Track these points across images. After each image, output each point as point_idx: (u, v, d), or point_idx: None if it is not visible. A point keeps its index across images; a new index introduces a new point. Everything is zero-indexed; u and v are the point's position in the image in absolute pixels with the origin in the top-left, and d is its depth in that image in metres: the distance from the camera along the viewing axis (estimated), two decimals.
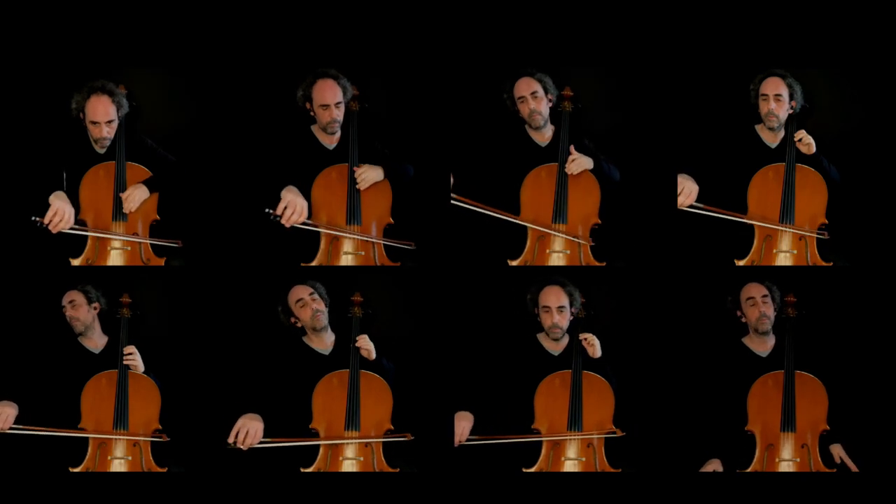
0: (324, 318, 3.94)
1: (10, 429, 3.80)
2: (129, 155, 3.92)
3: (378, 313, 3.99)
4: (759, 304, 3.91)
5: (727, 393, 3.90)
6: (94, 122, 3.86)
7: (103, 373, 3.89)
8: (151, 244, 3.91)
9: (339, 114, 3.93)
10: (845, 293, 3.92)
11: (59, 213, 3.78)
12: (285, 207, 3.83)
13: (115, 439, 3.85)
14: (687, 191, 3.85)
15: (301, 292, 3.93)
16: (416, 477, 3.89)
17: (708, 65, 3.93)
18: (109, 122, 3.87)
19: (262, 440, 3.82)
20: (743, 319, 3.95)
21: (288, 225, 3.84)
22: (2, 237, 3.91)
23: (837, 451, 3.88)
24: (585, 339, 3.89)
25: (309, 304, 3.92)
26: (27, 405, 3.85)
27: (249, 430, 3.81)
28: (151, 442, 3.87)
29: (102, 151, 3.91)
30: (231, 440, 3.81)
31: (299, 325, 3.96)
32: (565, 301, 3.93)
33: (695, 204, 3.86)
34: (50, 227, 3.78)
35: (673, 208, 3.87)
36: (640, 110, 3.98)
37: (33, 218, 3.76)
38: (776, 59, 3.91)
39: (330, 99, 3.91)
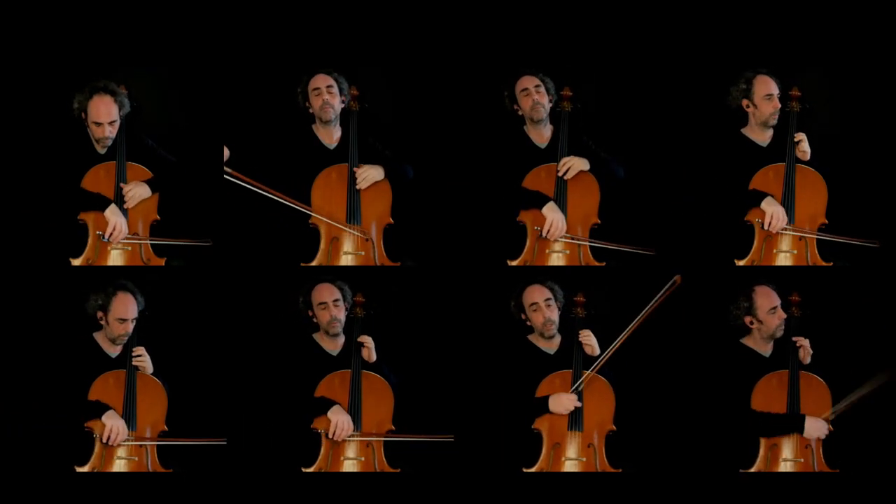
0: (339, 327, 3.95)
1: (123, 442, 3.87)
2: (130, 155, 3.92)
3: (380, 315, 3.99)
4: (780, 313, 3.89)
5: (730, 392, 3.88)
6: (97, 123, 3.87)
7: (110, 373, 3.89)
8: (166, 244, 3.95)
9: (331, 98, 3.94)
10: (845, 293, 3.90)
11: (118, 228, 3.85)
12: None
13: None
14: (783, 215, 3.88)
15: (326, 296, 3.94)
16: (416, 477, 3.89)
17: (705, 66, 3.93)
18: (112, 122, 3.88)
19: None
20: (753, 325, 3.91)
21: None
22: (2, 237, 3.92)
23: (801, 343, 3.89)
24: (583, 335, 3.88)
25: (329, 310, 3.93)
26: (47, 409, 3.88)
27: (344, 424, 3.85)
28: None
29: (103, 151, 3.92)
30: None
31: (315, 320, 3.96)
32: (549, 294, 3.93)
33: (787, 227, 3.88)
34: (111, 240, 3.86)
35: (672, 209, 3.87)
36: (638, 111, 3.98)
37: (98, 233, 3.85)
38: (775, 59, 3.90)
39: (321, 83, 3.93)
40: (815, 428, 3.84)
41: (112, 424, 3.83)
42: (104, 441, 3.82)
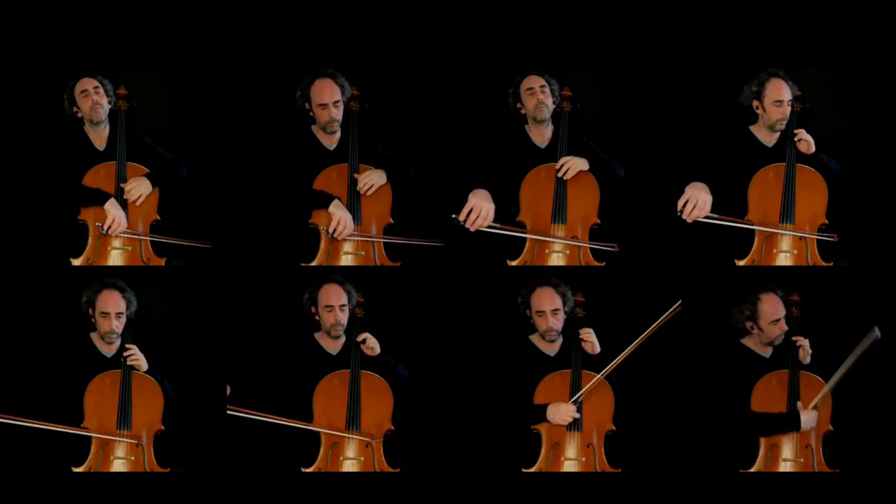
0: (342, 330, 3.95)
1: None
2: (130, 154, 3.92)
3: (383, 314, 3.99)
4: (782, 325, 3.86)
5: (729, 393, 3.88)
6: (83, 92, 3.89)
7: (106, 373, 3.90)
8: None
9: (337, 113, 3.94)
10: (845, 293, 3.90)
11: (117, 220, 3.85)
12: (338, 223, 3.86)
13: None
14: (701, 203, 3.79)
15: (334, 299, 3.93)
16: (416, 477, 3.89)
17: (705, 65, 3.94)
18: (96, 88, 3.89)
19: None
20: (753, 331, 3.91)
21: (340, 238, 3.86)
22: (2, 237, 3.92)
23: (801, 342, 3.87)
24: (584, 333, 3.87)
25: (335, 313, 3.93)
26: (43, 408, 3.86)
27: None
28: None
29: (102, 146, 3.92)
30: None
31: (317, 319, 3.97)
32: (559, 303, 3.91)
33: (710, 215, 3.82)
34: (109, 233, 3.86)
35: (672, 209, 3.87)
36: (638, 111, 3.98)
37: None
38: (775, 59, 3.91)
39: (328, 98, 3.92)
40: (809, 420, 3.81)
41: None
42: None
